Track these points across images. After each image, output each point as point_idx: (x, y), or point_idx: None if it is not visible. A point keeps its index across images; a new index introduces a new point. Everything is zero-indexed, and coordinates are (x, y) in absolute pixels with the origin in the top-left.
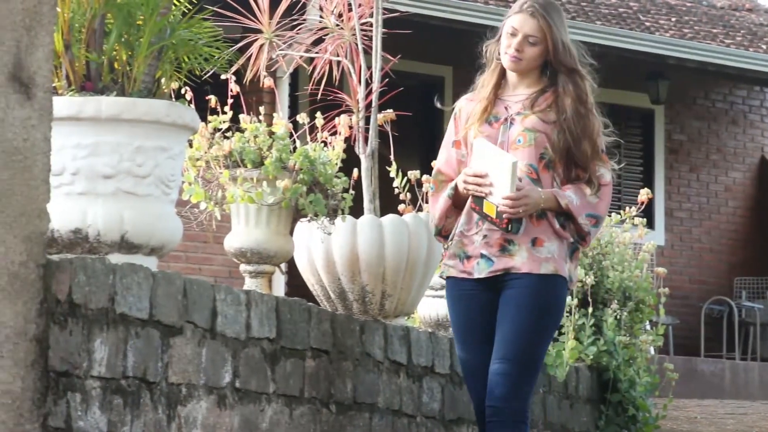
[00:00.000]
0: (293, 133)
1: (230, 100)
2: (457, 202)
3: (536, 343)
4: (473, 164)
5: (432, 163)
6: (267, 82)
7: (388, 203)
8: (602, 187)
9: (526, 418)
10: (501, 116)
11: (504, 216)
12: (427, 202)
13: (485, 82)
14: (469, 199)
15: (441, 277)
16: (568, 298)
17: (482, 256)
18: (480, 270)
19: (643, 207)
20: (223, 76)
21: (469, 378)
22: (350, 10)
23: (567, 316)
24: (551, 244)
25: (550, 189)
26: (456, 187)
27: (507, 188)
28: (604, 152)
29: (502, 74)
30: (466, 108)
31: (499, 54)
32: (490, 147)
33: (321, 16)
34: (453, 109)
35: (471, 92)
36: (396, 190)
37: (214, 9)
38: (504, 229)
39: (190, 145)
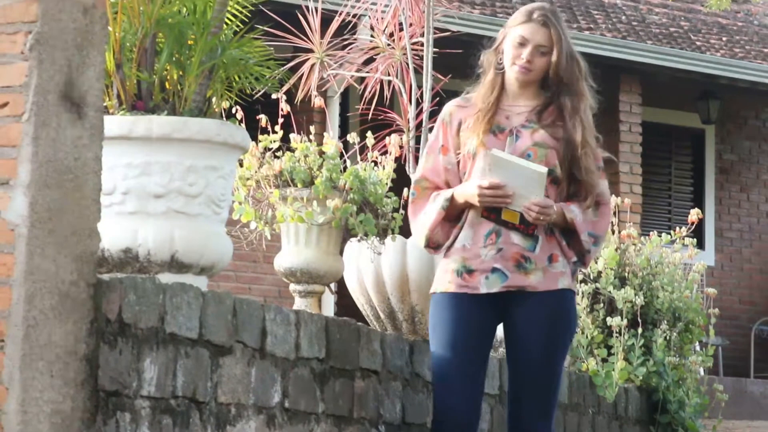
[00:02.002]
0: (344, 152)
1: (281, 120)
2: (450, 215)
3: (556, 362)
4: (490, 175)
5: None
6: (318, 101)
7: None
8: (602, 206)
9: None
10: (505, 127)
11: (532, 220)
12: None
13: (484, 91)
14: (475, 211)
15: (433, 293)
16: (617, 318)
17: (494, 270)
18: (490, 284)
19: (693, 227)
20: (273, 96)
21: (445, 386)
22: (401, 29)
23: (616, 337)
24: (563, 258)
25: (559, 203)
26: (451, 199)
27: (538, 197)
28: (601, 168)
29: (503, 84)
30: (458, 114)
31: (498, 63)
32: (512, 158)
33: (372, 36)
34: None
35: (461, 98)
36: None
37: (265, 28)
38: (529, 235)
39: (241, 165)
